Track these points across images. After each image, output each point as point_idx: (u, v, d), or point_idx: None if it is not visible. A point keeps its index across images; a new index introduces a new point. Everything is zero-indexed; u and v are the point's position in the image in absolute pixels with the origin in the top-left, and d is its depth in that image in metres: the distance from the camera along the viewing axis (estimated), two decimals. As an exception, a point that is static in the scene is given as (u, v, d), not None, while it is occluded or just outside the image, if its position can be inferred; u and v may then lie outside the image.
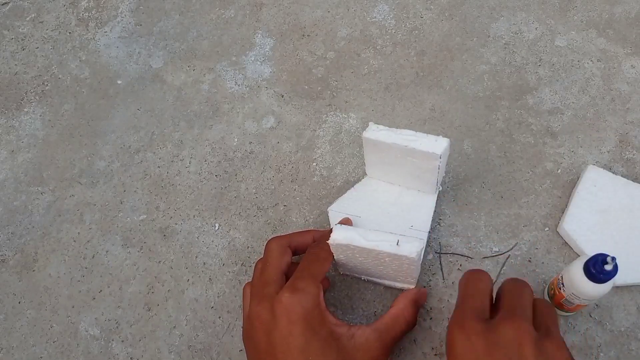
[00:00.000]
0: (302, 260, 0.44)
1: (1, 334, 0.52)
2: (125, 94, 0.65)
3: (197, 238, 0.55)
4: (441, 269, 0.51)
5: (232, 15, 0.70)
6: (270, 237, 0.47)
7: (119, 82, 0.67)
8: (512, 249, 0.51)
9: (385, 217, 0.51)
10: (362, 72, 0.64)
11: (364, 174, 0.54)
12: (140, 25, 0.71)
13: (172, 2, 0.72)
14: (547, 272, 0.49)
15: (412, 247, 0.41)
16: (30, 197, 0.60)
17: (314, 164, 0.58)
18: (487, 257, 0.51)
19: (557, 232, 0.51)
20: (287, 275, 0.44)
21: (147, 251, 0.55)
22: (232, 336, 0.50)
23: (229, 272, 0.53)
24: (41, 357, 0.51)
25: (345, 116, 0.61)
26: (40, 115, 0.65)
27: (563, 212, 0.52)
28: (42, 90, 0.67)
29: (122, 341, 0.51)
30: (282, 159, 0.59)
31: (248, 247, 0.54)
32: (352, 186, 0.54)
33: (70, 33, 0.72)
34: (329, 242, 0.43)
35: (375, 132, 0.46)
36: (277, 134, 0.61)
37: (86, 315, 0.52)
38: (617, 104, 0.58)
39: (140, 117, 0.63)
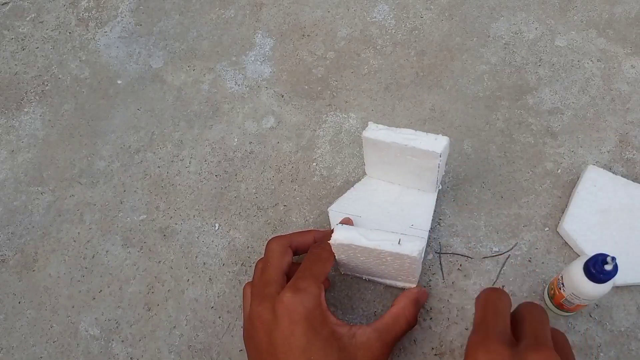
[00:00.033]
0: (304, 261, 0.44)
1: (1, 334, 0.52)
2: (125, 94, 0.65)
3: (197, 238, 0.55)
4: (441, 269, 0.51)
5: (232, 15, 0.70)
6: (270, 237, 0.47)
7: (119, 82, 0.67)
8: (512, 249, 0.51)
9: (385, 217, 0.51)
10: (362, 72, 0.64)
11: (364, 173, 0.54)
12: (140, 25, 0.71)
13: (172, 2, 0.72)
14: (547, 272, 0.49)
15: (414, 246, 0.41)
16: (30, 197, 0.60)
17: (314, 164, 0.58)
18: (487, 257, 0.51)
19: (557, 232, 0.51)
20: (288, 275, 0.44)
21: (147, 251, 0.55)
22: (232, 336, 0.50)
23: (229, 272, 0.53)
24: (41, 357, 0.51)
25: (345, 116, 0.61)
26: (40, 115, 0.65)
27: (563, 212, 0.52)
28: (42, 90, 0.67)
29: (122, 341, 0.51)
30: (282, 159, 0.59)
31: (248, 247, 0.54)
32: (352, 186, 0.54)
33: (70, 33, 0.72)
34: (330, 242, 0.43)
35: (375, 132, 0.46)
36: (277, 134, 0.61)
37: (86, 315, 0.52)
38: (617, 104, 0.58)
39: (140, 117, 0.64)
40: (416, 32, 0.66)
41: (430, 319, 0.48)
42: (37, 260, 0.56)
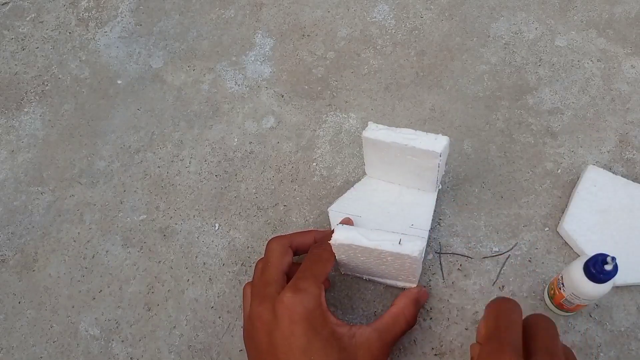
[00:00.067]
0: (305, 261, 0.44)
1: (1, 334, 0.52)
2: (125, 94, 0.65)
3: (197, 238, 0.55)
4: (441, 269, 0.51)
5: (232, 15, 0.70)
6: (270, 237, 0.47)
7: (119, 82, 0.67)
8: (512, 249, 0.51)
9: (385, 216, 0.51)
10: (362, 72, 0.64)
11: (364, 173, 0.54)
12: (140, 25, 0.71)
13: (172, 2, 0.72)
14: (547, 272, 0.49)
15: (414, 246, 0.41)
16: (30, 197, 0.60)
17: (314, 164, 0.58)
18: (487, 257, 0.51)
19: (557, 232, 0.51)
20: (288, 275, 0.44)
21: (147, 251, 0.55)
22: (232, 336, 0.50)
23: (229, 272, 0.53)
24: (41, 357, 0.51)
25: (345, 116, 0.61)
26: (40, 115, 0.65)
27: (563, 212, 0.52)
28: (42, 90, 0.67)
29: (122, 341, 0.51)
30: (282, 159, 0.59)
31: (248, 247, 0.54)
32: (352, 186, 0.54)
33: (70, 33, 0.72)
34: (330, 242, 0.43)
35: (375, 132, 0.46)
36: (277, 134, 0.61)
37: (86, 315, 0.52)
38: (617, 104, 0.58)
39: (140, 117, 0.64)
40: (416, 32, 0.66)
41: (430, 319, 0.48)
42: (37, 260, 0.56)
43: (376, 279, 0.50)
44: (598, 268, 0.39)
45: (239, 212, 0.56)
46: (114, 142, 0.62)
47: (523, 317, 0.38)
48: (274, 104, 0.63)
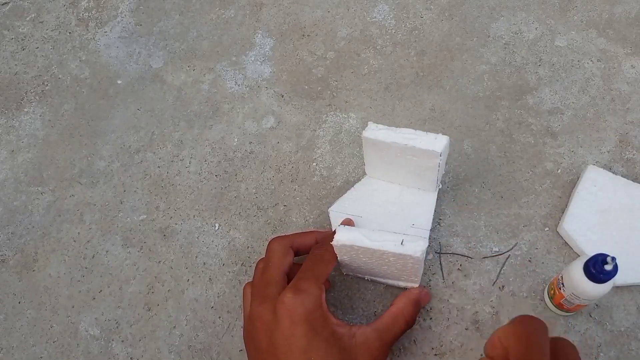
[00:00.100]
0: (306, 261, 0.44)
1: (1, 334, 0.52)
2: (125, 94, 0.65)
3: (197, 238, 0.55)
4: (441, 269, 0.51)
5: (232, 15, 0.70)
6: (271, 237, 0.47)
7: (119, 82, 0.67)
8: (512, 249, 0.51)
9: (386, 217, 0.51)
10: (362, 72, 0.64)
11: (364, 173, 0.54)
12: (140, 25, 0.71)
13: (172, 2, 0.72)
14: (547, 272, 0.49)
15: (417, 246, 0.41)
16: (30, 197, 0.60)
17: (314, 164, 0.58)
18: (487, 257, 0.51)
19: (557, 232, 0.51)
20: (289, 276, 0.44)
21: (147, 251, 0.55)
22: (232, 336, 0.50)
23: (229, 272, 0.53)
24: (41, 357, 0.51)
25: (345, 116, 0.61)
26: (40, 115, 0.65)
27: (563, 212, 0.52)
28: (42, 90, 0.67)
29: (122, 341, 0.51)
30: (282, 159, 0.59)
31: (248, 247, 0.54)
32: (352, 186, 0.54)
33: (70, 33, 0.72)
34: (332, 243, 0.43)
35: (375, 132, 0.46)
36: (277, 134, 0.61)
37: (86, 315, 0.52)
38: (617, 104, 0.58)
39: (140, 117, 0.63)
40: (416, 32, 0.66)
41: (430, 319, 0.48)
42: (37, 260, 0.56)
43: (378, 279, 0.50)
44: (598, 268, 0.39)
45: (239, 212, 0.56)
46: (114, 142, 0.62)
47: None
48: (274, 104, 0.63)
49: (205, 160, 0.60)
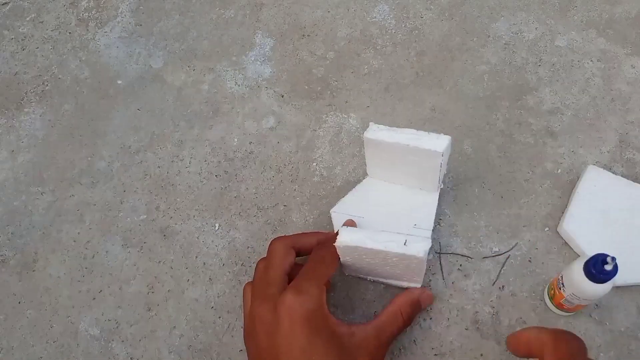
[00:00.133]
0: (308, 262, 0.44)
1: (1, 334, 0.52)
2: (125, 94, 0.65)
3: (197, 238, 0.55)
4: (441, 269, 0.51)
5: (232, 15, 0.70)
6: (272, 237, 0.47)
7: (119, 82, 0.67)
8: (512, 249, 0.51)
9: (388, 217, 0.51)
10: (362, 72, 0.64)
11: (364, 174, 0.54)
12: (140, 25, 0.71)
13: (172, 2, 0.72)
14: (547, 272, 0.49)
15: (420, 247, 0.41)
16: (30, 197, 0.60)
17: (314, 164, 0.58)
18: (487, 257, 0.51)
19: (557, 232, 0.51)
20: (290, 276, 0.44)
21: (147, 251, 0.55)
22: (232, 336, 0.50)
23: (229, 272, 0.53)
24: (41, 357, 0.51)
25: (345, 116, 0.61)
26: (40, 115, 0.65)
27: (563, 212, 0.52)
28: (42, 90, 0.67)
29: (122, 341, 0.51)
30: (282, 159, 0.59)
31: (248, 247, 0.54)
32: (353, 186, 0.54)
33: (70, 33, 0.72)
34: (335, 244, 0.43)
35: (376, 132, 0.46)
36: (277, 134, 0.61)
37: (86, 315, 0.52)
38: (617, 104, 0.58)
39: (140, 117, 0.63)
40: (416, 32, 0.66)
41: (430, 319, 0.48)
42: (37, 260, 0.56)
43: (380, 279, 0.50)
44: (598, 268, 0.39)
45: (239, 212, 0.56)
46: (114, 142, 0.62)
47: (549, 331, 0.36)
48: (274, 104, 0.63)
49: (205, 161, 0.60)
